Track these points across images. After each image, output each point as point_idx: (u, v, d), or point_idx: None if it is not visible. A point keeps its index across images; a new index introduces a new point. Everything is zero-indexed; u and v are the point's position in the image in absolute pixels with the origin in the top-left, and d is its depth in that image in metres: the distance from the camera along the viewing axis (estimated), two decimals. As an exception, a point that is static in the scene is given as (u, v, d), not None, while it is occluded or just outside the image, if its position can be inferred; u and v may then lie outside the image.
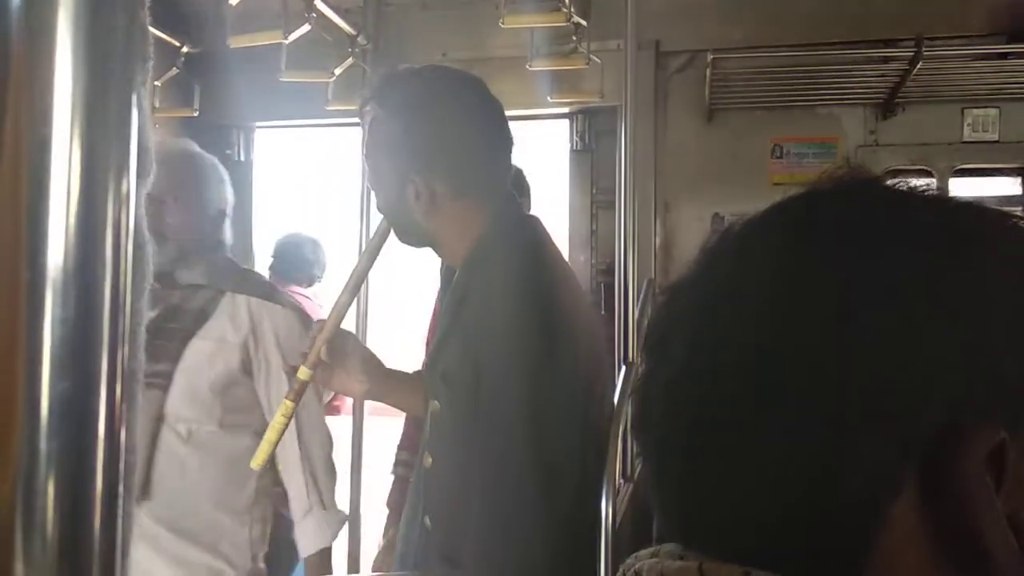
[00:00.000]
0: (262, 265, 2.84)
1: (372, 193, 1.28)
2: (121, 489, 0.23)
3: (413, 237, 1.26)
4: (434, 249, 1.28)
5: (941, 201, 0.43)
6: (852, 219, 0.41)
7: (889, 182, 0.44)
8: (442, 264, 1.38)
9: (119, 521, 0.23)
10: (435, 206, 1.19)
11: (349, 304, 1.29)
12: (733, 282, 0.43)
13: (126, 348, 0.24)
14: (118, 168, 0.23)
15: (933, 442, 0.37)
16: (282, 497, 2.48)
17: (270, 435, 1.28)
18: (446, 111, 1.19)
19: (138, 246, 0.27)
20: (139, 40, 0.26)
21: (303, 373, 1.27)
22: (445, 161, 1.18)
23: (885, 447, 0.37)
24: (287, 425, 1.30)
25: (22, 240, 0.22)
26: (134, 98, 0.25)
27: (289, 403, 1.28)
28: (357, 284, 1.31)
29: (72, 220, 0.22)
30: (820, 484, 0.38)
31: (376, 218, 1.33)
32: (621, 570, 0.45)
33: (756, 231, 0.44)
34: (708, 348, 0.42)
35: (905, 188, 0.44)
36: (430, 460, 1.23)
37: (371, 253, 1.30)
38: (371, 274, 1.41)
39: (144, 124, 0.30)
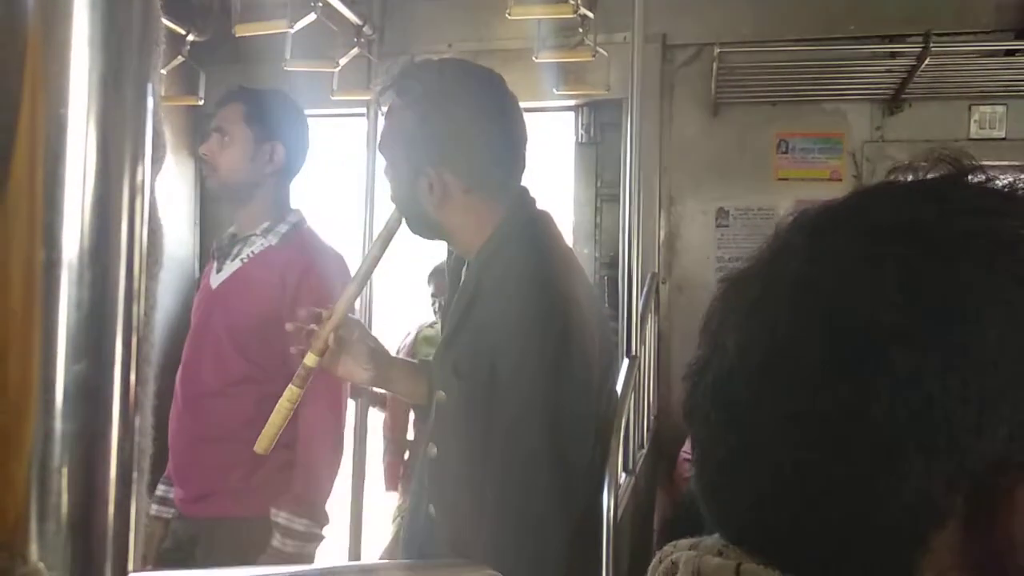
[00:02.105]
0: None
1: (376, 185, 1.27)
2: (135, 471, 0.23)
3: (424, 228, 1.26)
4: (446, 241, 1.28)
5: None
6: (930, 229, 0.38)
7: (985, 177, 0.40)
8: (448, 259, 1.38)
9: (133, 503, 0.23)
10: (447, 199, 1.20)
11: (358, 293, 1.30)
12: (797, 283, 0.40)
13: (140, 331, 0.24)
14: (134, 152, 0.23)
15: (983, 475, 0.36)
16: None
17: (275, 419, 1.27)
18: (464, 105, 1.19)
19: (152, 230, 0.27)
20: (154, 25, 0.26)
21: (310, 359, 1.27)
22: (459, 155, 1.18)
23: (932, 479, 0.36)
24: (292, 411, 1.28)
25: (38, 223, 0.22)
26: (149, 83, 0.25)
27: (295, 389, 1.27)
28: (367, 273, 1.31)
29: (88, 203, 0.22)
30: (861, 507, 0.37)
31: (381, 208, 1.32)
32: (658, 557, 0.44)
33: (831, 229, 0.41)
34: (762, 349, 0.40)
35: (1001, 186, 0.40)
36: (435, 450, 1.23)
37: (382, 243, 1.30)
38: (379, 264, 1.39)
39: (157, 109, 0.30)
